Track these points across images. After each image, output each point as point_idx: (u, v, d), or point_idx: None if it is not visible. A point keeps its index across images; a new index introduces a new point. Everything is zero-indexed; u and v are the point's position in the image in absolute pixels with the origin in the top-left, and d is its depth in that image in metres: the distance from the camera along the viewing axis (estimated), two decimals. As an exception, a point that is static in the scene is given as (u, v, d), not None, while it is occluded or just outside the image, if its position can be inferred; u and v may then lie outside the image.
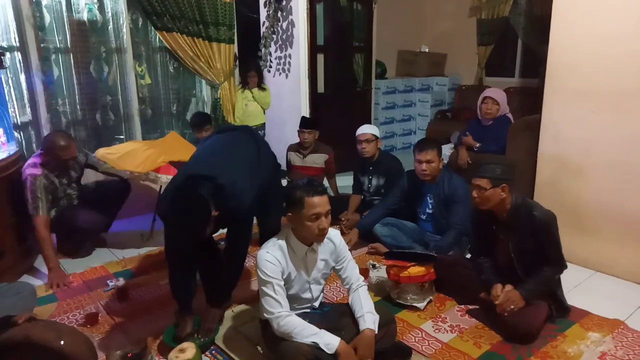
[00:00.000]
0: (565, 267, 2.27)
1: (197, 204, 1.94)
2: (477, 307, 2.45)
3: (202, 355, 1.95)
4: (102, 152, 3.15)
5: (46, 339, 1.60)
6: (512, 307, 2.16)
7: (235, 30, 4.45)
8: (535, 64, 5.55)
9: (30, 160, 2.90)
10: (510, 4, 5.58)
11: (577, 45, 2.80)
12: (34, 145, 3.57)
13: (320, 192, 1.87)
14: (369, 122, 5.37)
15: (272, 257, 1.89)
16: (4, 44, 3.39)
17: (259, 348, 2.10)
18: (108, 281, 2.77)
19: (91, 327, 2.32)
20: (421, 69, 6.40)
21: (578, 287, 2.71)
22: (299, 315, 1.92)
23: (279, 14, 4.57)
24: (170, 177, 2.86)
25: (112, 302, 2.56)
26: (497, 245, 2.38)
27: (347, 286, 2.08)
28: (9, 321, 1.74)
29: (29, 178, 2.78)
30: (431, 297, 2.52)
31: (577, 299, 2.51)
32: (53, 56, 3.66)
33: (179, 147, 3.33)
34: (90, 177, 3.38)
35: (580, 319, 2.34)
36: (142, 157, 3.07)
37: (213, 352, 2.11)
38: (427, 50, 6.50)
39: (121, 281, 2.76)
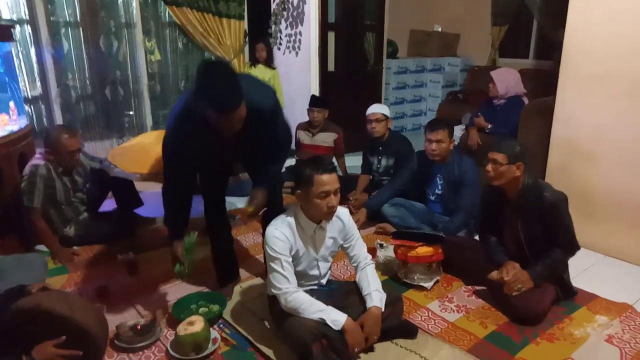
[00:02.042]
0: (578, 248, 2.25)
1: (231, 78, 1.76)
2: (484, 288, 2.45)
3: (210, 329, 1.97)
4: (114, 153, 3.05)
5: (58, 308, 1.62)
6: (520, 286, 2.16)
7: (246, 7, 4.38)
8: (550, 46, 5.44)
9: (34, 157, 2.76)
10: (526, -17, 5.43)
11: (593, 29, 2.73)
12: (44, 119, 3.59)
13: (330, 169, 1.86)
14: (379, 102, 5.32)
15: (280, 234, 1.90)
16: (14, 17, 3.37)
17: (266, 323, 2.12)
18: (118, 255, 2.79)
19: (101, 299, 2.35)
20: (433, 49, 6.29)
21: (587, 270, 2.70)
22: (306, 292, 1.93)
23: (290, -10, 4.50)
24: None
25: (122, 276, 2.59)
26: (505, 225, 2.37)
27: (355, 264, 2.09)
28: (22, 290, 1.77)
29: (29, 168, 2.65)
30: (438, 278, 2.52)
31: (586, 282, 2.50)
32: (63, 30, 3.65)
33: None
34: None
35: (587, 302, 2.34)
36: (154, 156, 2.95)
37: (221, 325, 2.14)
38: (439, 30, 6.38)
39: (131, 255, 2.78)
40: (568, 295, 2.33)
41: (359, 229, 2.15)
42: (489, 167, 2.24)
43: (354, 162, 4.51)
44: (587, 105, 2.82)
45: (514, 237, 2.33)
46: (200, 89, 1.76)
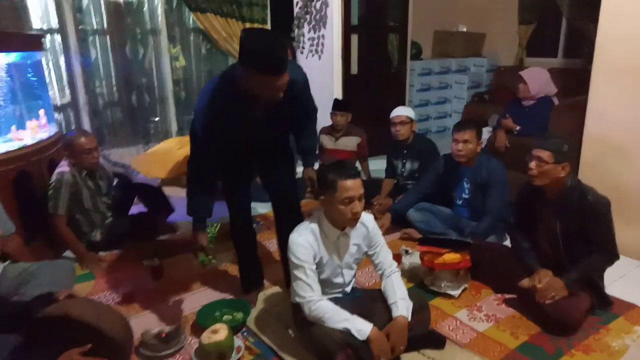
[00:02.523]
0: (617, 257, 2.15)
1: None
2: (514, 296, 2.37)
3: (234, 337, 1.96)
4: (137, 159, 3.06)
5: (85, 316, 1.63)
6: (553, 295, 2.07)
7: (269, 11, 4.39)
8: (580, 44, 5.28)
9: (60, 164, 2.82)
10: (555, -20, 5.28)
11: (626, 20, 2.63)
12: (73, 126, 3.66)
13: (354, 175, 1.83)
14: (403, 105, 5.25)
15: (304, 241, 1.87)
16: (44, 27, 3.46)
17: (290, 332, 2.10)
18: (143, 260, 2.82)
19: (127, 305, 2.37)
20: (458, 49, 6.17)
21: (623, 278, 2.58)
22: (330, 300, 1.90)
23: (313, -7, 4.48)
24: None
25: (147, 281, 2.61)
26: (541, 228, 2.28)
27: (380, 272, 2.05)
28: (50, 298, 1.79)
29: (55, 176, 2.72)
30: (466, 285, 2.46)
31: (621, 291, 2.39)
32: (90, 38, 3.72)
33: None
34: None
35: (625, 312, 2.23)
36: (173, 160, 2.93)
37: (245, 334, 2.13)
38: (464, 30, 6.25)
39: (156, 261, 2.80)
40: (604, 305, 2.23)
41: (384, 234, 2.11)
42: (533, 164, 2.12)
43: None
44: (620, 100, 2.71)
45: (550, 240, 2.24)
46: (249, 52, 1.71)
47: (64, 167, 2.77)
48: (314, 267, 1.89)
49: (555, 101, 3.37)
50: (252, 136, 2.07)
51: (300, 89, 2.01)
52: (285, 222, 2.22)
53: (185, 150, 3.01)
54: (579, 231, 2.13)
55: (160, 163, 3.03)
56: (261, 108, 1.92)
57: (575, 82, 4.57)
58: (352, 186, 1.81)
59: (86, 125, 3.74)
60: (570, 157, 2.12)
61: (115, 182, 3.14)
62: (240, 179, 2.28)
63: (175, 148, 3.11)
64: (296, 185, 2.39)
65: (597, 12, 4.49)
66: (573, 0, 5.24)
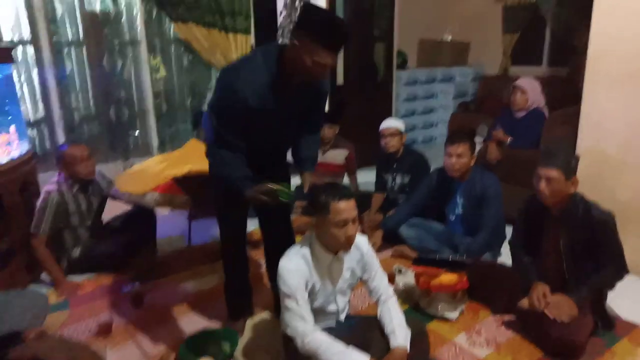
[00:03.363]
0: (627, 272, 2.08)
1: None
2: (513, 316, 2.28)
3: (222, 372, 1.82)
4: (120, 179, 2.91)
5: (56, 359, 1.48)
6: (564, 318, 1.97)
7: (252, 20, 4.28)
8: (565, 52, 5.29)
9: (49, 181, 2.74)
10: (539, -12, 5.29)
11: (620, 31, 2.58)
12: (47, 142, 3.48)
13: (347, 196, 1.72)
14: (390, 115, 5.19)
15: (295, 267, 1.75)
16: (15, 38, 3.29)
17: (281, 364, 1.97)
18: (123, 286, 2.67)
19: (104, 337, 2.21)
20: (443, 58, 6.15)
21: (622, 295, 2.49)
22: (323, 329, 1.78)
23: (297, 2, 4.39)
24: (171, 196, 2.63)
25: (127, 309, 2.46)
26: (544, 242, 2.19)
27: (376, 297, 1.93)
28: (18, 337, 1.64)
29: (42, 194, 2.66)
30: (463, 307, 2.36)
31: (622, 309, 2.32)
32: (65, 50, 3.55)
33: (196, 157, 2.92)
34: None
35: (628, 333, 2.16)
36: (149, 175, 2.81)
37: (233, 367, 1.99)
38: (449, 39, 6.24)
39: (137, 286, 2.65)
40: (607, 326, 2.15)
41: (375, 252, 2.00)
42: (543, 185, 2.03)
43: (366, 178, 4.36)
44: (615, 111, 2.66)
45: (554, 256, 2.15)
46: (315, 22, 1.68)
47: (52, 185, 2.70)
48: (306, 295, 1.77)
49: (546, 112, 3.31)
50: (272, 124, 1.92)
51: (324, 92, 2.04)
52: (276, 243, 2.11)
53: (163, 166, 2.89)
54: (584, 246, 2.06)
55: (139, 179, 2.88)
56: (291, 94, 1.85)
57: (562, 90, 4.59)
58: (346, 208, 1.70)
59: (61, 141, 3.56)
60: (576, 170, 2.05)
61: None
62: (261, 159, 2.05)
63: (153, 165, 2.97)
64: (292, 207, 2.27)
65: (581, 21, 4.51)
66: (556, 9, 5.27)
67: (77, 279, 2.79)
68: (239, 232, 2.20)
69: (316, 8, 1.79)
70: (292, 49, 1.73)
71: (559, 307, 2.00)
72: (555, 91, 4.15)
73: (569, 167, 2.01)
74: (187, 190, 2.66)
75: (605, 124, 2.71)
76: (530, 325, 2.13)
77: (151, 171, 2.88)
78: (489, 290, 2.38)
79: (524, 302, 2.18)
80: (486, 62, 6.16)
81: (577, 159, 2.10)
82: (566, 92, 4.67)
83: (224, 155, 1.89)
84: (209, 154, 2.00)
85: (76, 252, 2.81)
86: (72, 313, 2.44)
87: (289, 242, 2.01)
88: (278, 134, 2.00)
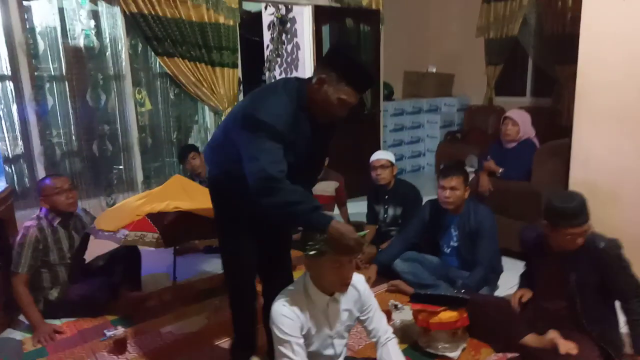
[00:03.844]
0: None
1: None
2: (517, 354, 2.19)
3: None
4: (99, 220, 2.79)
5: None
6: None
7: (239, 54, 4.27)
8: (548, 83, 5.40)
9: (30, 218, 2.63)
10: (519, 23, 5.43)
11: (608, 64, 2.61)
12: (26, 179, 3.36)
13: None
14: (379, 146, 5.18)
15: (289, 311, 1.65)
16: (-6, 73, 3.21)
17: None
18: (105, 330, 2.51)
19: (120, 354, 2.06)
20: (428, 89, 6.23)
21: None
22: (320, 375, 1.68)
23: (284, 36, 4.42)
24: (142, 233, 2.50)
25: (109, 356, 2.30)
26: (551, 280, 2.12)
27: (375, 339, 1.84)
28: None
29: (21, 231, 2.54)
30: (465, 345, 2.26)
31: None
32: (47, 85, 3.46)
33: (177, 193, 2.82)
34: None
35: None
36: (124, 212, 2.70)
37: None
38: (434, 70, 6.34)
39: (120, 330, 2.50)
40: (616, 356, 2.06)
41: (370, 287, 1.91)
42: (569, 239, 1.96)
43: (356, 209, 4.30)
44: (606, 145, 2.68)
45: (564, 294, 2.08)
46: (348, 63, 1.70)
47: (32, 220, 2.59)
48: (302, 340, 1.66)
49: (536, 142, 3.31)
50: (302, 158, 1.80)
51: (334, 130, 2.00)
52: (274, 280, 2.01)
53: (141, 202, 2.77)
54: (596, 281, 2.00)
55: (114, 216, 2.76)
56: (313, 128, 1.80)
57: (547, 121, 4.65)
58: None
59: (41, 177, 3.43)
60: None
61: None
62: (258, 224, 1.95)
63: (132, 201, 2.85)
64: (291, 238, 2.18)
65: (560, 54, 4.61)
66: (538, 43, 5.40)
67: (55, 322, 2.63)
68: (253, 266, 2.05)
69: (348, 47, 1.91)
70: (318, 83, 1.70)
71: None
72: (540, 121, 4.19)
73: (586, 212, 1.96)
74: (161, 227, 2.53)
75: (596, 157, 2.72)
76: None
77: (127, 208, 2.77)
78: (489, 326, 2.29)
79: (529, 339, 2.09)
80: (471, 93, 6.25)
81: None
82: (551, 123, 4.76)
83: (289, 188, 1.61)
84: (264, 190, 1.64)
85: (54, 293, 2.65)
86: (48, 362, 2.28)
87: (288, 282, 1.91)
88: (304, 167, 1.85)
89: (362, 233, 1.64)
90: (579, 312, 2.03)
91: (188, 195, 2.75)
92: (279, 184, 1.60)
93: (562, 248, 2.02)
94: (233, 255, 2.01)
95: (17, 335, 2.53)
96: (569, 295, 2.05)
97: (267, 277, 2.12)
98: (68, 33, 3.51)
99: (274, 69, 4.55)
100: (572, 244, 1.98)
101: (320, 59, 1.79)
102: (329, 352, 1.79)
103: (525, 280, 2.28)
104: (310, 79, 1.77)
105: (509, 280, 2.85)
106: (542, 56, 5.40)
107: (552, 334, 2.03)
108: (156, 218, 2.56)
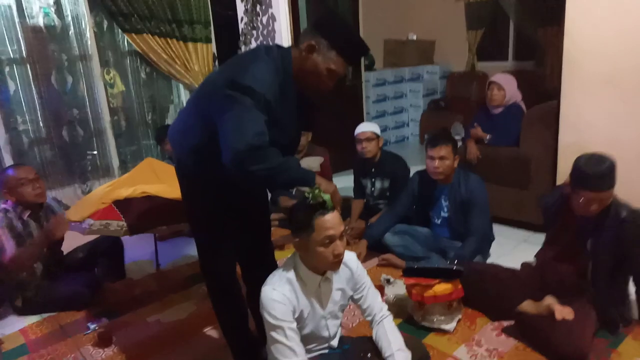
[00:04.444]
0: None
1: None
2: (511, 322, 2.16)
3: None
4: (70, 212, 2.63)
5: None
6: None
7: (212, 29, 4.07)
8: (530, 46, 5.32)
9: None
10: (499, -15, 5.30)
11: (596, 26, 2.52)
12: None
13: (331, 209, 1.55)
14: (362, 118, 5.07)
15: (280, 295, 1.56)
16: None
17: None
18: (89, 324, 2.41)
19: (105, 346, 1.97)
20: (410, 58, 6.10)
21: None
22: (315, 358, 1.63)
23: (258, 7, 4.21)
24: (106, 222, 2.36)
25: (94, 350, 2.21)
26: (567, 245, 2.08)
27: (370, 317, 1.77)
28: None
29: None
30: (460, 316, 2.22)
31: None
32: (7, 69, 3.25)
33: (147, 177, 2.68)
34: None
35: (631, 330, 2.06)
36: (91, 201, 2.55)
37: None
38: (414, 38, 6.19)
39: (104, 322, 2.40)
40: (614, 329, 2.04)
41: (361, 262, 1.83)
42: (593, 204, 1.89)
43: (342, 183, 4.21)
44: (595, 108, 2.61)
45: (578, 256, 2.04)
46: (340, 34, 1.58)
47: None
48: (294, 324, 1.58)
49: (523, 106, 3.24)
50: (285, 133, 1.67)
51: (318, 105, 1.93)
52: (257, 268, 1.90)
53: (109, 189, 2.60)
54: (612, 251, 1.95)
55: (82, 206, 2.61)
56: (296, 97, 1.66)
57: (531, 85, 4.58)
58: (332, 223, 1.53)
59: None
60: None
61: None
62: (244, 212, 1.85)
63: (102, 189, 2.70)
64: (270, 223, 2.06)
65: (543, 16, 4.50)
66: (518, 5, 5.29)
67: (34, 319, 2.52)
68: (232, 262, 1.92)
69: (340, 18, 1.75)
70: (307, 51, 1.57)
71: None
72: (523, 85, 4.12)
73: (614, 180, 1.88)
74: (127, 215, 2.39)
75: (585, 121, 2.65)
76: (532, 331, 2.01)
77: (94, 196, 2.62)
78: (485, 295, 2.25)
79: (527, 306, 2.06)
80: (452, 59, 6.14)
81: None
82: (535, 86, 4.69)
83: (271, 152, 1.53)
84: (247, 161, 1.51)
85: (32, 289, 2.53)
86: (31, 358, 2.17)
87: (272, 267, 1.82)
88: (288, 140, 1.74)
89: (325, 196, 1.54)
90: (589, 279, 1.99)
91: (159, 178, 2.60)
92: (265, 151, 1.51)
93: (585, 212, 1.95)
94: (209, 250, 1.87)
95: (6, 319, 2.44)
96: (582, 261, 2.01)
97: (249, 264, 2.00)
98: (25, 12, 3.28)
99: (250, 43, 4.36)
100: (596, 209, 1.91)
101: (309, 25, 1.61)
102: (324, 333, 1.72)
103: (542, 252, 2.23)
104: (294, 46, 1.63)
105: (500, 248, 2.83)
106: (523, 19, 5.29)
107: (549, 300, 2.00)
108: (123, 205, 2.40)
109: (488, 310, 2.26)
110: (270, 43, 4.31)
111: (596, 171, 1.85)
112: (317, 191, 1.52)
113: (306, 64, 1.58)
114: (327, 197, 1.53)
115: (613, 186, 1.89)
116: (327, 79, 1.60)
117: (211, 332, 2.31)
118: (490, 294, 2.23)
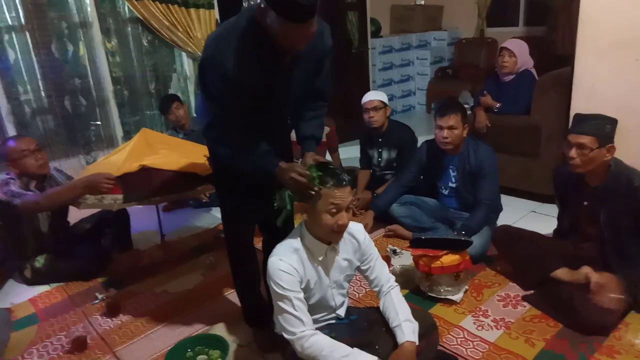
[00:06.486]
0: None
1: None
2: (520, 295, 2.15)
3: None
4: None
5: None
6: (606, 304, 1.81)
7: (215, -8, 3.96)
8: (542, 11, 5.15)
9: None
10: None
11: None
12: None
13: (341, 182, 1.52)
14: (368, 86, 4.98)
15: (287, 265, 1.55)
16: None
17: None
18: (97, 293, 2.43)
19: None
20: (417, 23, 5.93)
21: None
22: (322, 327, 1.62)
23: (262, -29, 4.07)
24: (101, 196, 2.34)
25: (102, 320, 2.23)
26: (582, 217, 2.04)
27: (377, 289, 1.76)
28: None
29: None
30: (467, 287, 2.22)
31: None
32: (6, 37, 3.18)
33: (143, 150, 2.59)
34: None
35: None
36: (100, 167, 2.54)
37: (225, 377, 1.80)
38: (422, 2, 6.01)
39: (112, 292, 2.41)
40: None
41: (368, 232, 1.81)
42: (573, 152, 1.89)
43: (348, 153, 4.19)
44: (610, 75, 2.52)
45: (592, 231, 2.01)
46: None
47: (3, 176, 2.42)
48: (301, 294, 1.58)
49: (535, 73, 3.14)
50: (274, 97, 1.66)
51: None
52: (278, 233, 1.86)
53: (106, 162, 2.60)
54: (628, 222, 1.90)
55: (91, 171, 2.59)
56: (284, 62, 1.59)
57: (542, 51, 4.45)
58: (339, 195, 1.51)
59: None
60: (613, 136, 1.90)
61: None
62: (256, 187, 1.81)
63: (100, 162, 2.67)
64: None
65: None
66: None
67: (44, 289, 2.55)
68: (252, 229, 2.00)
69: None
70: (259, 14, 1.45)
71: (600, 287, 1.85)
72: (534, 52, 4.00)
73: (604, 132, 1.86)
74: (122, 188, 2.36)
75: (599, 88, 2.57)
76: (559, 299, 1.97)
77: (92, 169, 2.60)
78: (520, 260, 2.22)
79: (560, 273, 2.02)
80: (461, 25, 5.98)
81: (613, 123, 1.91)
82: (547, 52, 4.56)
83: (233, 138, 1.61)
84: (212, 142, 1.73)
85: (41, 260, 2.54)
86: (40, 328, 2.20)
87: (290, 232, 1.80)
88: (278, 112, 1.76)
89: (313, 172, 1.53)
90: (607, 252, 1.96)
91: (152, 150, 2.57)
92: (224, 137, 1.63)
93: (573, 164, 1.93)
94: (232, 217, 1.94)
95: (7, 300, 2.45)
96: (598, 234, 1.98)
97: (272, 236, 2.00)
98: (22, -23, 3.18)
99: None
100: (575, 160, 1.90)
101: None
102: (330, 303, 1.72)
103: (565, 228, 2.19)
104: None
105: (508, 218, 2.81)
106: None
107: (587, 269, 1.95)
108: (119, 179, 2.37)
109: (521, 273, 2.24)
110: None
111: (582, 115, 1.88)
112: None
113: (266, 27, 1.46)
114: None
115: (599, 138, 1.87)
116: (286, 42, 1.47)
117: (217, 302, 2.32)
118: (525, 258, 2.19)
